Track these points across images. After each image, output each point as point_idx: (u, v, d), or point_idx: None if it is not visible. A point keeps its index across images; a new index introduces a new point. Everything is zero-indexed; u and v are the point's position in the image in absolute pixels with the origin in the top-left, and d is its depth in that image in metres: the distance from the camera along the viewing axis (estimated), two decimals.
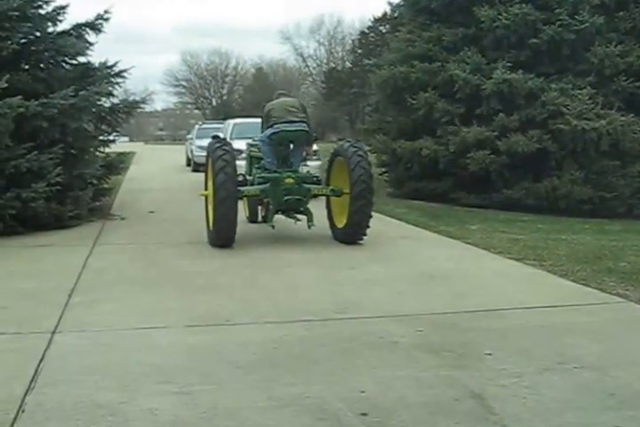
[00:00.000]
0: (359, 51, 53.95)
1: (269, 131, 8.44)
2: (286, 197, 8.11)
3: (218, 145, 7.83)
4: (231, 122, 16.73)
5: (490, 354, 4.31)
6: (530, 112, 12.17)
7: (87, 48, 10.46)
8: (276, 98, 8.96)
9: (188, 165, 24.79)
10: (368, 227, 8.07)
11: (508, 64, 12.41)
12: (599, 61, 12.13)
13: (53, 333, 4.70)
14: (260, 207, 9.44)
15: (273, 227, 8.26)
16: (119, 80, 10.76)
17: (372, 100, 16.95)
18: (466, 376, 3.94)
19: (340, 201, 8.46)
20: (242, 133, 14.08)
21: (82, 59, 10.66)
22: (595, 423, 3.36)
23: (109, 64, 10.74)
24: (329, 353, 4.32)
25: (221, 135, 15.14)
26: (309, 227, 8.24)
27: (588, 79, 12.18)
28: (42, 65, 10.14)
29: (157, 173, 21.49)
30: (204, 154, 21.17)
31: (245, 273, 6.63)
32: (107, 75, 10.59)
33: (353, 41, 58.38)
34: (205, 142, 19.11)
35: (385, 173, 15.64)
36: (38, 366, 4.06)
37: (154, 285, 6.16)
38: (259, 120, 17.09)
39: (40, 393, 3.65)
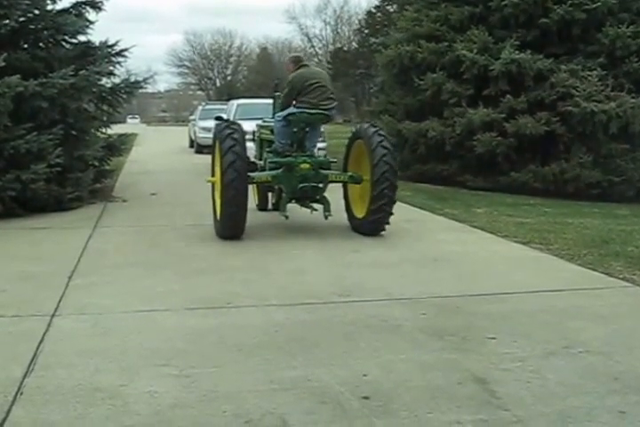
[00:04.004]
0: (366, 31, 53.57)
1: (288, 110, 7.72)
2: (301, 185, 7.45)
3: (225, 125, 7.24)
4: (235, 102, 16.61)
5: (494, 338, 4.28)
6: (538, 94, 12.04)
7: (87, 26, 10.35)
8: (295, 68, 7.88)
9: (191, 146, 24.74)
10: (391, 214, 7.42)
11: (516, 43, 12.24)
12: (610, 42, 11.97)
13: (53, 316, 4.67)
14: (270, 194, 8.89)
15: (286, 217, 7.54)
16: (120, 60, 10.66)
17: (378, 80, 16.81)
18: (469, 360, 3.91)
19: (359, 189, 7.86)
20: (246, 114, 13.98)
21: (82, 37, 10.58)
22: (599, 408, 3.32)
23: (110, 43, 10.64)
24: (331, 336, 4.29)
25: (225, 116, 15.16)
26: (326, 217, 7.58)
27: (598, 60, 12.02)
28: (41, 44, 10.06)
29: (160, 155, 21.43)
30: (208, 135, 21.23)
31: (247, 256, 6.58)
32: (107, 54, 10.49)
33: (359, 21, 57.98)
34: (209, 124, 19.23)
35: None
36: (37, 348, 4.03)
37: (155, 267, 6.12)
38: (263, 101, 17.17)
39: (39, 376, 3.63)
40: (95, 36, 10.77)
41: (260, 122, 9.70)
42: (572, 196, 11.54)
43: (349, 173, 7.86)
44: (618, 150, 11.72)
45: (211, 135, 18.61)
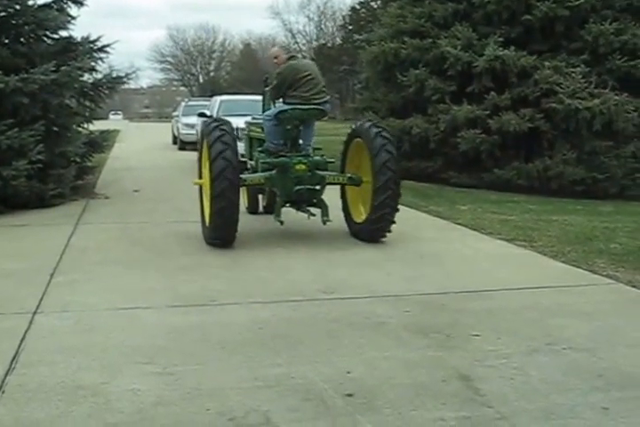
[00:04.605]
0: (350, 27, 53.55)
1: (278, 108, 7.29)
2: (297, 187, 6.92)
3: (215, 125, 6.61)
4: (218, 99, 16.51)
5: (478, 335, 4.28)
6: (522, 90, 12.04)
7: (69, 22, 10.27)
8: (285, 59, 7.39)
9: (174, 143, 24.64)
10: (393, 222, 6.96)
11: (500, 40, 12.26)
12: (593, 39, 11.98)
13: (34, 313, 4.64)
14: (260, 196, 8.46)
15: (281, 223, 6.95)
16: (102, 55, 10.59)
17: (362, 76, 16.80)
18: (453, 357, 3.91)
19: (358, 191, 7.34)
20: (229, 111, 13.92)
21: (64, 33, 10.50)
22: (582, 404, 3.33)
23: (92, 39, 10.56)
24: (315, 334, 4.29)
25: (208, 113, 15.10)
26: (324, 222, 7.04)
27: (581, 57, 12.03)
28: (22, 39, 9.95)
29: (142, 152, 21.32)
30: (191, 132, 21.11)
31: (232, 254, 6.55)
32: (89, 49, 10.42)
33: (343, 17, 57.97)
34: (192, 120, 19.22)
35: None
36: (19, 346, 4.00)
37: (137, 264, 6.09)
38: (247, 97, 17.13)
39: (21, 374, 3.61)
40: (77, 31, 10.73)
41: (249, 119, 9.19)
42: (556, 193, 11.57)
43: (348, 175, 7.33)
44: (602, 147, 11.75)
45: (194, 131, 18.77)
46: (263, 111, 8.04)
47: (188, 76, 76.79)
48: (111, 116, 56.21)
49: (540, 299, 5.13)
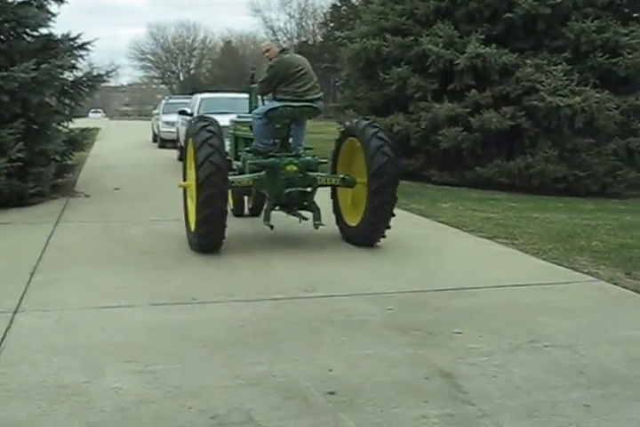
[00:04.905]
0: (331, 24, 53.50)
1: (269, 105, 6.92)
2: (288, 190, 6.58)
3: (202, 125, 6.22)
4: (199, 96, 16.40)
5: (460, 333, 4.29)
6: (504, 88, 12.10)
7: (49, 19, 10.16)
8: (275, 54, 7.05)
9: (155, 141, 24.50)
10: (388, 227, 6.66)
11: (482, 37, 12.29)
12: (575, 37, 12.06)
13: (15, 312, 4.59)
14: (246, 198, 8.10)
15: (271, 227, 6.63)
16: (83, 53, 10.48)
17: (343, 74, 16.78)
18: (435, 355, 3.92)
19: (351, 193, 7.05)
20: (210, 109, 13.84)
21: (44, 30, 10.37)
22: (564, 402, 3.34)
23: (72, 36, 10.45)
24: (297, 332, 4.28)
25: (189, 110, 15.03)
26: (316, 226, 6.70)
27: (563, 55, 12.11)
28: (2, 36, 9.81)
29: (123, 150, 21.18)
30: (171, 129, 20.92)
31: (213, 252, 6.50)
32: (70, 47, 10.31)
33: (324, 14, 57.90)
34: (172, 118, 19.10)
35: None
36: (0, 345, 3.96)
37: (118, 263, 6.04)
38: (228, 95, 17.04)
39: (2, 373, 3.58)
40: (57, 28, 10.61)
41: (234, 117, 8.77)
42: (538, 190, 11.64)
43: (341, 176, 6.95)
44: (583, 145, 11.83)
45: (174, 129, 18.64)
46: (250, 109, 7.74)
47: (169, 73, 76.38)
48: (91, 115, 55.73)
49: (521, 296, 5.15)
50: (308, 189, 6.76)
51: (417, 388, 3.47)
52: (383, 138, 6.53)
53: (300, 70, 6.78)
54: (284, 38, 65.75)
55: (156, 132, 23.96)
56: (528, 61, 12.04)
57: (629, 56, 11.76)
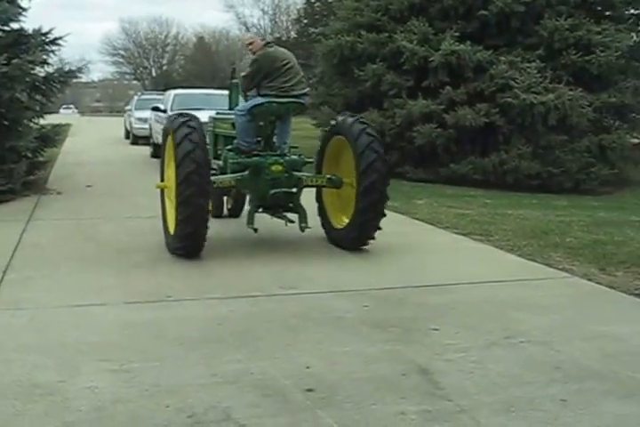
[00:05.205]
0: (305, 20, 53.28)
1: (253, 101, 6.55)
2: (273, 191, 6.27)
3: (182, 120, 5.92)
4: (172, 93, 16.26)
5: (436, 329, 4.30)
6: (478, 85, 12.16)
7: (20, 14, 10.02)
8: (259, 47, 6.71)
9: (127, 137, 24.29)
10: (379, 229, 6.37)
11: (456, 34, 12.34)
12: (549, 35, 12.16)
13: None
14: (225, 198, 7.80)
15: (255, 230, 6.30)
16: (54, 48, 10.35)
17: (318, 70, 16.74)
18: (412, 351, 3.92)
19: (338, 194, 6.75)
20: (184, 105, 13.74)
21: (15, 25, 10.22)
22: (541, 397, 3.36)
23: (44, 31, 10.31)
24: (274, 329, 4.26)
25: (162, 107, 14.91)
26: (302, 229, 6.39)
27: (537, 52, 12.20)
28: None
29: (95, 146, 20.97)
30: (144, 126, 20.71)
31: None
32: (41, 42, 10.19)
33: (298, 10, 57.59)
34: (145, 114, 18.94)
35: None
36: None
37: (91, 261, 5.97)
38: (202, 91, 16.93)
39: None
40: (28, 23, 10.44)
41: (213, 113, 8.23)
42: (512, 187, 11.72)
43: (327, 176, 6.64)
44: (556, 142, 11.93)
45: (147, 126, 18.48)
46: (230, 105, 7.53)
47: (141, 69, 75.70)
48: (62, 111, 55.10)
49: (497, 293, 5.18)
50: (294, 190, 6.45)
51: (395, 384, 3.47)
52: (372, 134, 6.26)
53: (286, 64, 6.48)
54: (258, 34, 65.56)
55: (129, 128, 23.74)
56: (502, 58, 12.12)
57: (602, 54, 11.89)
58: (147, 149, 17.35)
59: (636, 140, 14.26)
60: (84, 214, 8.38)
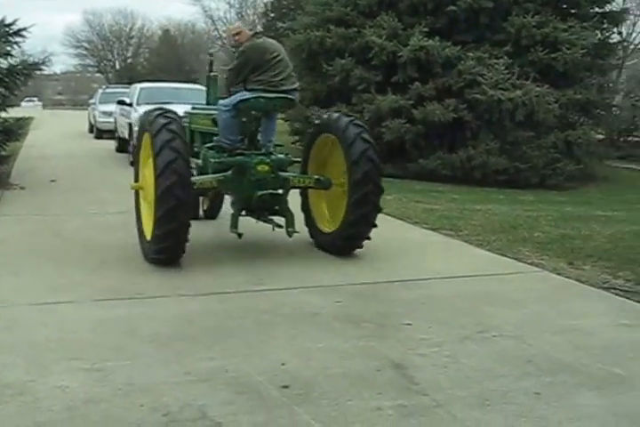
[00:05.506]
0: (272, 14, 53.08)
1: (239, 96, 6.05)
2: (260, 193, 5.83)
3: (158, 113, 5.52)
4: (138, 86, 16.04)
5: (409, 324, 4.31)
6: (446, 81, 12.23)
7: None
8: (247, 38, 6.26)
9: (91, 131, 23.99)
10: (374, 226, 6.00)
11: (425, 30, 12.37)
12: (516, 31, 12.30)
13: None
14: (202, 199, 7.24)
15: (240, 235, 5.90)
16: (18, 39, 10.16)
17: None
18: (386, 346, 3.93)
19: (325, 196, 6.39)
20: (150, 99, 13.59)
21: None
22: (514, 390, 3.39)
23: (7, 22, 10.12)
24: (246, 326, 4.23)
25: (127, 100, 14.73)
26: (290, 234, 5.97)
27: (504, 49, 12.34)
28: None
29: (58, 140, 20.66)
30: (109, 120, 20.39)
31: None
32: (5, 33, 9.99)
33: (265, 4, 57.30)
34: (110, 107, 18.75)
35: (298, 141, 15.48)
36: None
37: (59, 257, 5.86)
38: (169, 84, 16.75)
39: None
40: None
41: (188, 108, 7.65)
42: (480, 182, 11.81)
43: (315, 176, 6.25)
44: (523, 138, 12.07)
45: (112, 119, 18.25)
46: (208, 100, 7.14)
47: (105, 62, 74.68)
48: (24, 104, 54.15)
49: (468, 287, 5.21)
50: (280, 191, 6.02)
51: (370, 380, 3.47)
52: (368, 140, 5.85)
53: (276, 57, 6.04)
54: (224, 28, 65.10)
55: (93, 122, 23.43)
56: (470, 54, 12.21)
57: (568, 51, 12.07)
58: (112, 144, 17.13)
59: (600, 136, 14.49)
60: (50, 210, 8.24)
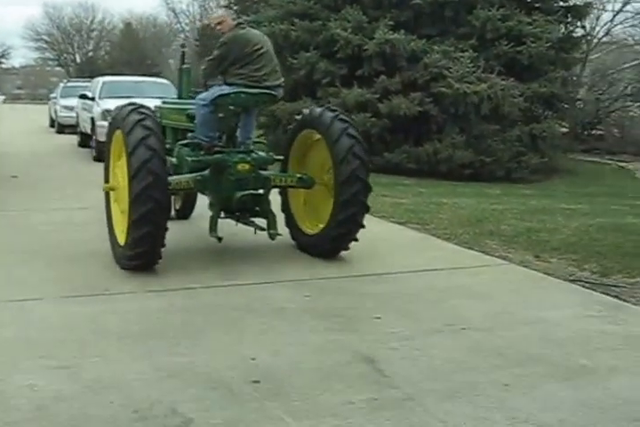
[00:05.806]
0: (235, 7, 52.73)
1: (218, 90, 5.68)
2: (240, 193, 5.51)
3: (131, 108, 5.16)
4: (100, 80, 15.84)
5: (379, 318, 4.33)
6: (412, 74, 12.26)
7: None
8: (230, 28, 5.80)
9: (52, 126, 23.65)
10: (362, 226, 5.74)
11: (390, 23, 12.38)
12: (481, 25, 12.36)
13: None
14: (173, 198, 6.49)
15: (219, 239, 5.56)
16: None
17: None
18: (356, 340, 3.94)
19: (308, 195, 6.14)
20: (113, 93, 13.45)
21: None
22: (485, 382, 3.42)
23: None
24: (215, 321, 4.22)
25: (89, 94, 14.54)
26: (272, 237, 5.65)
27: (469, 42, 12.40)
28: None
29: (18, 135, 20.25)
30: (70, 114, 20.13)
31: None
32: None
33: None
34: (71, 102, 18.50)
35: (262, 135, 15.40)
36: None
37: (24, 254, 5.76)
38: (132, 78, 16.57)
39: None
40: None
41: (158, 102, 7.23)
42: (445, 176, 11.88)
43: (298, 175, 5.95)
44: (489, 131, 12.15)
45: (73, 114, 18.01)
46: (179, 94, 6.89)
47: (65, 55, 73.59)
48: None
49: (437, 281, 5.24)
50: (262, 192, 5.72)
51: (341, 374, 3.48)
52: (354, 136, 5.56)
53: (259, 49, 5.64)
54: (186, 21, 64.51)
55: (54, 116, 23.10)
56: (435, 48, 12.25)
57: (532, 45, 12.17)
58: (74, 139, 16.90)
59: (564, 130, 14.66)
60: (12, 206, 8.09)
